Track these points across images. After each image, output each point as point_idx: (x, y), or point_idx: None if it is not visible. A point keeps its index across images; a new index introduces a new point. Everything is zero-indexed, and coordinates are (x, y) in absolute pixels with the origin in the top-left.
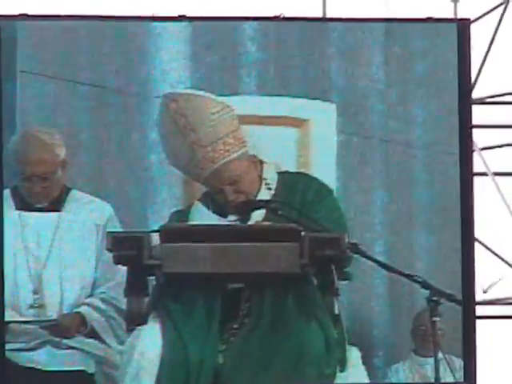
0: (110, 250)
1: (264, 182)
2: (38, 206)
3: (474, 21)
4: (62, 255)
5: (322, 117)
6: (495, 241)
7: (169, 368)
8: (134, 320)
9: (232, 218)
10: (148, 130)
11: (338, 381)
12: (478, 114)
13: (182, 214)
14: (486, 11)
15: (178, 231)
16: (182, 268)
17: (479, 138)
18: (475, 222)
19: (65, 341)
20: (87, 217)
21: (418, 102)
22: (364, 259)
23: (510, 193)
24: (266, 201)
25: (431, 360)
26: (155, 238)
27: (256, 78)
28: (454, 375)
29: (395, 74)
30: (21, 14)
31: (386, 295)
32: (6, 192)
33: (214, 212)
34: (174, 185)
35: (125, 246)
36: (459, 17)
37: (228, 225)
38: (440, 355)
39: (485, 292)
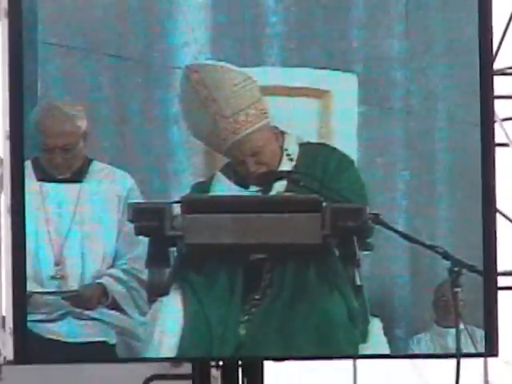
0: (131, 221)
1: (285, 153)
2: (60, 177)
3: None
4: (83, 227)
5: (344, 88)
6: None
7: (190, 339)
8: (156, 291)
9: (253, 189)
10: (169, 101)
11: (360, 351)
12: (500, 84)
13: (204, 186)
14: None
15: (200, 202)
16: (203, 239)
17: (500, 108)
18: (496, 192)
19: (86, 312)
20: (108, 188)
21: (439, 73)
22: (385, 230)
23: None
24: (288, 172)
25: (453, 331)
26: (176, 209)
27: (277, 49)
28: (475, 346)
29: (416, 45)
30: None
31: (407, 266)
32: (28, 163)
33: (235, 183)
34: (195, 156)
35: (146, 217)
36: None
37: (249, 196)
38: (461, 326)
39: None
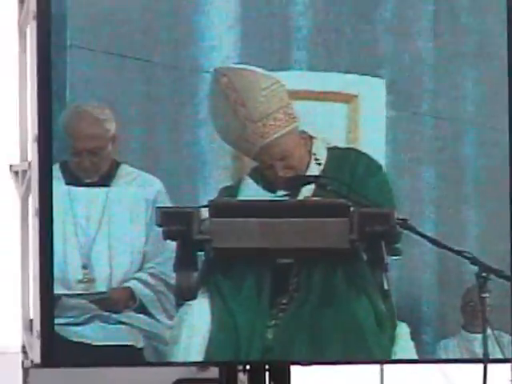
0: (159, 225)
1: (313, 157)
2: (88, 180)
3: None
4: (111, 230)
5: (372, 92)
6: None
7: (218, 343)
8: (184, 295)
9: (281, 193)
10: (198, 105)
11: (387, 356)
12: None
13: (232, 190)
14: None
15: (228, 206)
16: (231, 243)
17: None
18: None
19: (114, 315)
20: (137, 191)
21: (467, 77)
22: (414, 235)
23: None
24: (316, 176)
25: (480, 336)
26: (205, 213)
27: (306, 54)
28: (502, 351)
29: (445, 49)
30: None
31: (435, 271)
32: (56, 167)
33: (263, 187)
34: (223, 160)
35: (174, 221)
36: None
37: (277, 200)
38: (489, 331)
39: None
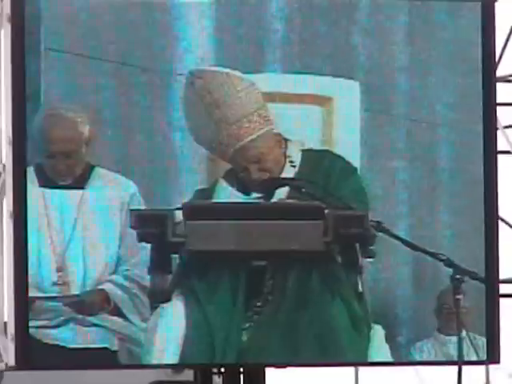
0: (133, 228)
1: (288, 159)
2: (62, 183)
3: None
4: (85, 232)
5: (346, 95)
6: None
7: (192, 345)
8: (158, 297)
9: (256, 195)
10: (172, 108)
11: (362, 359)
12: (502, 92)
13: (206, 192)
14: None
15: (202, 209)
16: (205, 245)
17: (503, 116)
18: (499, 200)
19: (88, 318)
20: (111, 194)
21: (442, 80)
22: (388, 237)
23: None
24: (290, 179)
25: (455, 338)
26: (179, 216)
27: (280, 56)
28: (477, 354)
29: (419, 53)
30: None
31: (409, 273)
32: (30, 169)
33: (237, 190)
34: (197, 163)
35: (149, 224)
36: None
37: (252, 202)
38: (463, 333)
39: None
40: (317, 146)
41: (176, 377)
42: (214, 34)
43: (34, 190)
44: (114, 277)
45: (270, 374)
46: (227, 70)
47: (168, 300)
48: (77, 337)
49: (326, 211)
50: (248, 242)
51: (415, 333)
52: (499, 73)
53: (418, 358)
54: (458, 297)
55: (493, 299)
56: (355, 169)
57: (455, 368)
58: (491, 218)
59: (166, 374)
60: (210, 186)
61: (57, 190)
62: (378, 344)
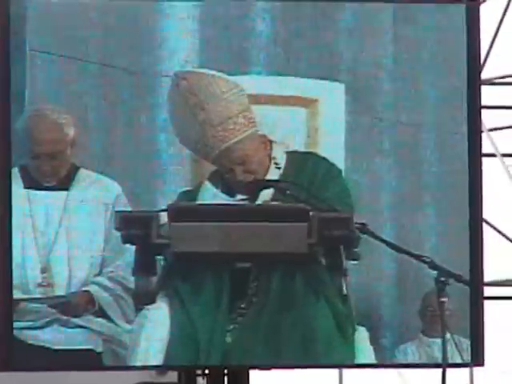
0: (118, 229)
1: (273, 161)
2: (47, 184)
3: (483, 1)
4: (70, 234)
5: (331, 97)
6: (503, 221)
7: (177, 347)
8: (142, 299)
9: (240, 197)
10: (157, 110)
11: (346, 361)
12: (487, 94)
13: (191, 194)
14: None
15: (187, 210)
16: (190, 247)
17: (488, 118)
18: (483, 202)
19: (73, 319)
20: (95, 195)
21: (426, 82)
22: (372, 240)
23: None
24: (275, 181)
25: (439, 340)
26: (164, 218)
27: (265, 58)
28: (461, 356)
29: (404, 55)
30: None
31: (394, 276)
32: (15, 170)
33: (222, 192)
34: (182, 164)
35: (133, 225)
36: None
37: (236, 204)
38: (448, 336)
39: None
40: (301, 148)
41: (160, 378)
42: (199, 35)
43: (18, 191)
44: (98, 278)
45: (254, 375)
46: (212, 72)
47: (152, 302)
48: (61, 338)
49: (311, 213)
50: (232, 243)
51: (399, 335)
52: (484, 75)
53: (402, 360)
54: (442, 299)
55: (477, 302)
56: (340, 171)
57: (439, 370)
58: (476, 220)
59: (151, 375)
60: (194, 187)
61: (41, 192)
62: (362, 346)
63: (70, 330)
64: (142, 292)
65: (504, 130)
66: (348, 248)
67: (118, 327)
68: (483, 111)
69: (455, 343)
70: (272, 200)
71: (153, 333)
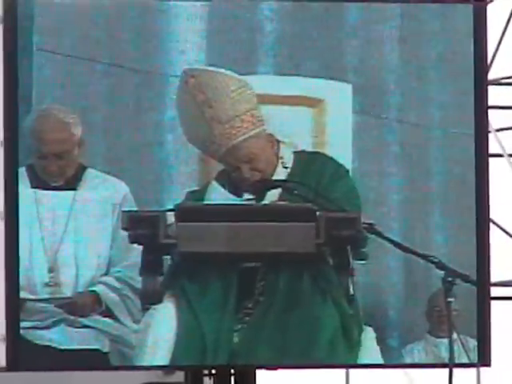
0: (125, 229)
1: (280, 160)
2: (54, 184)
3: (490, 2)
4: (77, 234)
5: (338, 97)
6: (510, 222)
7: (183, 347)
8: (149, 299)
9: (247, 196)
10: (164, 109)
11: (353, 361)
12: (494, 95)
13: (198, 194)
14: None
15: (194, 210)
16: (197, 247)
17: (495, 119)
18: (490, 203)
19: (80, 319)
20: (103, 195)
21: (433, 82)
22: (380, 240)
23: None
24: (282, 180)
25: (446, 341)
26: (171, 218)
27: (272, 58)
28: (468, 356)
29: (411, 55)
30: None
31: (401, 276)
32: (22, 170)
33: (229, 191)
34: (189, 164)
35: (140, 225)
36: None
37: (243, 204)
38: (454, 336)
39: None
40: (308, 148)
41: (167, 378)
42: (207, 35)
43: (25, 191)
44: (105, 278)
45: (261, 375)
46: (221, 70)
47: (159, 301)
48: (68, 338)
49: (318, 213)
50: (239, 243)
51: (406, 335)
52: (491, 76)
53: (408, 360)
54: (449, 299)
55: (484, 302)
56: (347, 171)
57: (446, 370)
58: (483, 220)
59: (157, 375)
60: (201, 187)
61: (49, 191)
62: (369, 346)
63: (76, 329)
64: (149, 292)
65: (511, 131)
66: (355, 248)
67: (125, 327)
68: (490, 111)
69: (462, 343)
70: (279, 200)
71: (159, 333)
